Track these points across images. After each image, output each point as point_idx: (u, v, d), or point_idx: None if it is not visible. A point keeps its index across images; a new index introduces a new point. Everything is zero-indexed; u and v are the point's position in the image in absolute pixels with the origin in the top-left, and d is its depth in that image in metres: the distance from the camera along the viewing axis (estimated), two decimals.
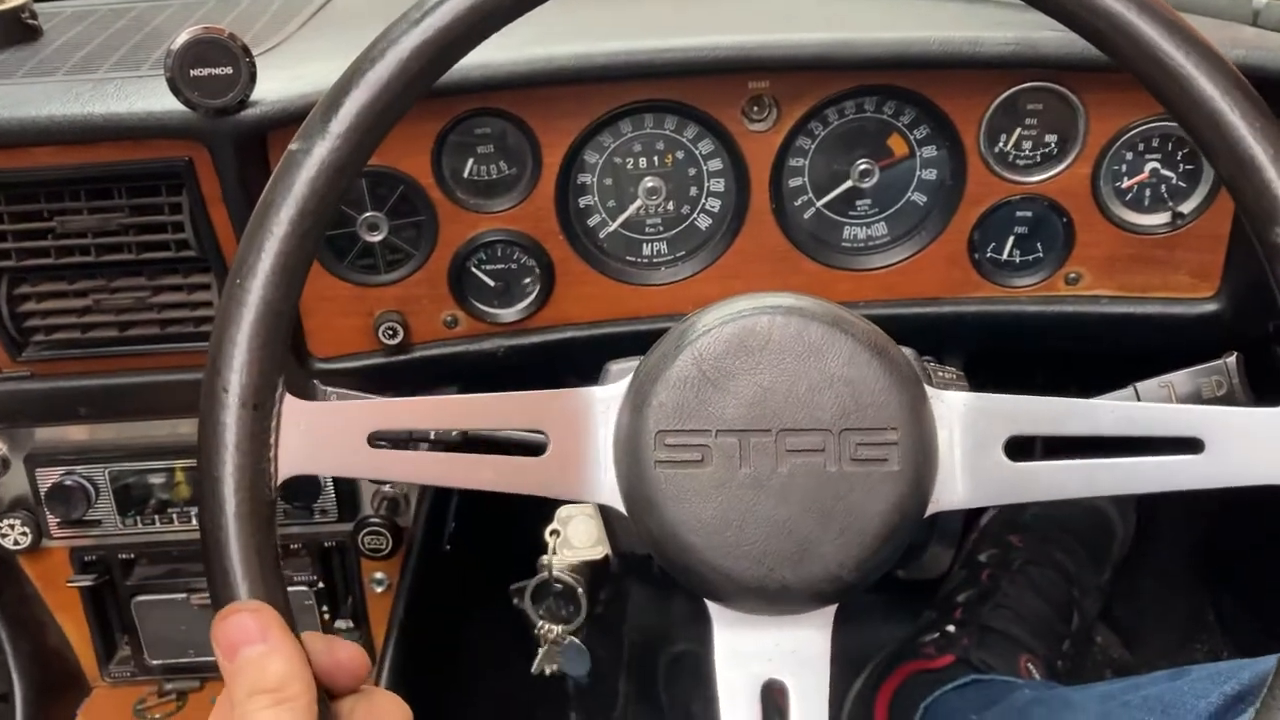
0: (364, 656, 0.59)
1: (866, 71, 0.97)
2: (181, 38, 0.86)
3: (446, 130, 0.98)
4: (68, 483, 1.14)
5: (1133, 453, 0.60)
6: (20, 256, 0.99)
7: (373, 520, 1.17)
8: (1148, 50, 0.58)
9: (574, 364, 1.00)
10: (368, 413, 0.63)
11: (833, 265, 1.06)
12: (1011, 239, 1.05)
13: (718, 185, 1.03)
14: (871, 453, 0.61)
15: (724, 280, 1.05)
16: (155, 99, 0.91)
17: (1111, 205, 1.02)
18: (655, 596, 1.60)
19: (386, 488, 1.18)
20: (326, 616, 1.24)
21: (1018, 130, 1.00)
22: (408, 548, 1.22)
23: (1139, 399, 0.74)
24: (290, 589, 1.21)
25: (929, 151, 1.02)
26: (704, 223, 1.05)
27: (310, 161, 0.60)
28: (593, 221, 1.04)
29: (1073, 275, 1.05)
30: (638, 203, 1.03)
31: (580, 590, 0.96)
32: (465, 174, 1.00)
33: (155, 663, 1.26)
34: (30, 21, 1.10)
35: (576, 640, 1.01)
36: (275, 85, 0.91)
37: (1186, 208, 1.01)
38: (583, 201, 1.03)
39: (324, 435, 0.62)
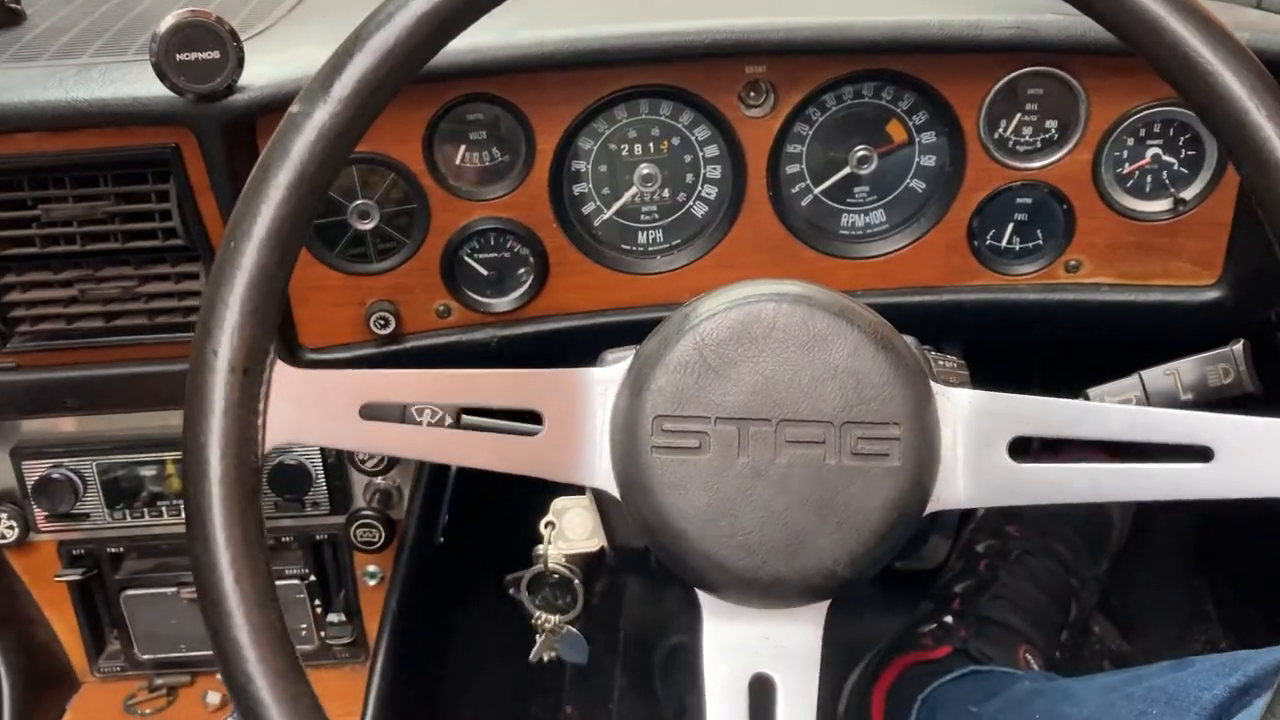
0: None
1: (865, 56, 0.95)
2: (167, 21, 0.84)
3: (438, 116, 0.96)
4: (55, 476, 1.13)
5: (1139, 457, 0.59)
6: (4, 245, 0.97)
7: (365, 513, 1.15)
8: (1169, 39, 0.57)
9: (568, 354, 0.98)
10: (360, 383, 0.62)
11: (830, 253, 1.04)
12: (1011, 226, 1.04)
13: (714, 172, 1.02)
14: (872, 447, 0.60)
15: (720, 269, 1.04)
16: (141, 84, 0.89)
17: (1112, 192, 1.01)
18: (651, 589, 1.59)
19: (379, 480, 1.17)
20: (319, 610, 1.23)
21: (1018, 116, 0.99)
22: (400, 540, 1.21)
23: (1144, 386, 0.73)
24: (282, 582, 1.21)
25: (928, 138, 1.01)
26: (700, 210, 1.03)
27: (310, 125, 0.58)
28: (587, 209, 1.03)
29: (1073, 263, 1.04)
30: (633, 190, 1.01)
31: (576, 581, 0.95)
32: (457, 161, 0.99)
33: (145, 657, 1.25)
34: (13, 5, 1.08)
35: (574, 629, 1.01)
36: (264, 70, 0.90)
37: (1188, 194, 1.00)
38: (577, 189, 1.02)
39: (315, 404, 0.61)
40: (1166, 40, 0.57)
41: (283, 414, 0.59)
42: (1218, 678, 0.81)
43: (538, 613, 0.96)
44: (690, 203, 1.03)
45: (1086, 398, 0.76)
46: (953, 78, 0.97)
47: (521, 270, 1.03)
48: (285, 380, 0.59)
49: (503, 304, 1.04)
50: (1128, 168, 1.01)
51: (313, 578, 1.21)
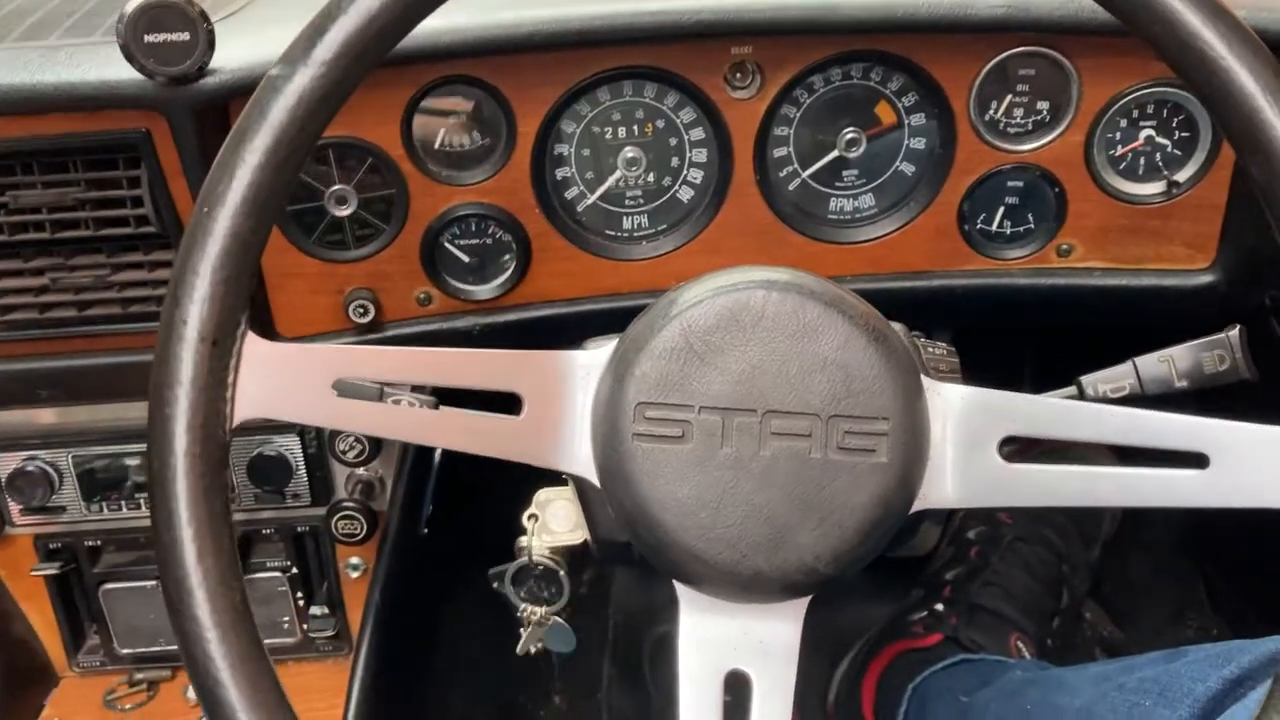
0: None
1: (853, 36, 0.93)
2: (135, 2, 0.82)
3: (416, 98, 0.94)
4: (29, 468, 1.11)
5: (1134, 457, 0.58)
6: None
7: (347, 504, 1.14)
8: (1181, 31, 0.56)
9: (552, 342, 0.96)
10: (334, 358, 0.60)
11: (819, 238, 1.03)
12: (1002, 210, 1.02)
13: (700, 156, 1.00)
14: (860, 442, 0.58)
15: (706, 254, 1.02)
16: (109, 67, 0.87)
17: (1105, 174, 0.99)
18: (639, 577, 1.58)
19: (361, 471, 1.15)
20: (301, 603, 1.21)
21: (1009, 97, 0.97)
22: (383, 532, 1.19)
23: (1138, 374, 0.72)
24: (263, 575, 1.19)
25: (917, 120, 0.99)
26: (686, 195, 1.01)
27: (291, 89, 0.56)
28: (570, 194, 1.01)
29: (1065, 247, 1.02)
30: (617, 174, 0.99)
31: (562, 572, 0.94)
32: (437, 144, 0.97)
33: (125, 652, 1.23)
34: None
35: (560, 620, 1.00)
36: (236, 52, 0.87)
37: (1182, 176, 0.99)
38: (560, 173, 1.00)
39: (287, 378, 0.59)
40: (1179, 32, 0.56)
41: (253, 388, 0.57)
42: (1211, 669, 0.80)
43: (523, 605, 0.95)
44: (676, 187, 1.01)
45: (1079, 385, 0.74)
46: (943, 58, 0.95)
47: (504, 257, 1.01)
48: (256, 353, 0.58)
49: (485, 291, 1.02)
50: (1120, 150, 0.99)
51: (294, 570, 1.19)
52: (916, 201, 1.01)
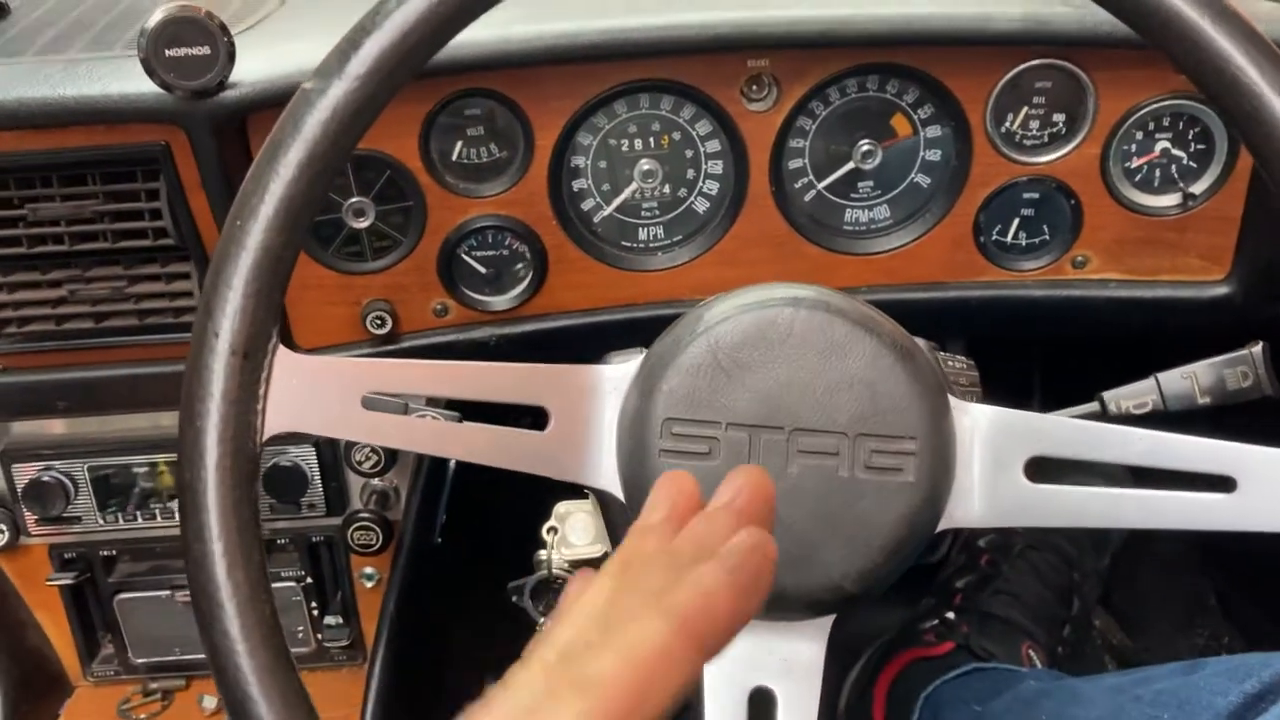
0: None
1: (869, 49, 0.93)
2: (156, 16, 0.82)
3: (435, 112, 0.94)
4: (45, 479, 1.11)
5: (1156, 480, 0.58)
6: None
7: (362, 515, 1.14)
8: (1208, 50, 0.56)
9: (568, 353, 0.97)
10: (364, 372, 0.60)
11: (834, 249, 1.03)
12: (1017, 221, 1.02)
13: (716, 167, 1.00)
14: (887, 461, 0.58)
15: (722, 266, 1.02)
16: (129, 81, 0.87)
17: (1120, 186, 0.99)
18: None
19: (376, 481, 1.15)
20: (315, 612, 1.21)
21: (1025, 109, 0.97)
22: (398, 542, 1.19)
23: (1160, 390, 0.72)
24: (277, 585, 1.19)
25: (933, 131, 0.99)
26: (702, 206, 1.02)
27: (325, 102, 0.56)
28: (587, 205, 1.01)
29: (1080, 258, 1.03)
30: (633, 186, 1.00)
31: None
32: (454, 157, 0.97)
33: (139, 661, 1.23)
34: None
35: None
36: (255, 65, 0.88)
37: (1198, 188, 0.99)
38: (576, 185, 1.00)
39: (317, 392, 0.59)
40: (1207, 52, 0.56)
41: (283, 400, 0.57)
42: (1231, 682, 0.80)
43: (543, 620, 0.95)
44: (691, 198, 1.01)
45: (1102, 400, 0.74)
46: (959, 71, 0.95)
47: (520, 268, 1.01)
48: (287, 366, 0.58)
49: (501, 302, 1.02)
50: (1136, 162, 0.99)
51: (309, 580, 1.19)
52: (932, 213, 1.02)
